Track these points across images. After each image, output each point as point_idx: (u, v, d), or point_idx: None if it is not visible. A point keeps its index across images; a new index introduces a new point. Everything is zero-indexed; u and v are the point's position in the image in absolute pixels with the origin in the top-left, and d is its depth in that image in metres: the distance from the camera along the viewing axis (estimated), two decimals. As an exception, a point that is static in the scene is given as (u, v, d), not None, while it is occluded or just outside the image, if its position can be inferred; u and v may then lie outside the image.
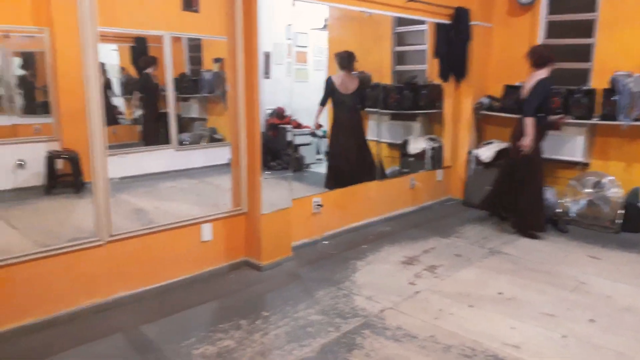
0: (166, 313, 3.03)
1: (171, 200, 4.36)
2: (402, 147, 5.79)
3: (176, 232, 3.37)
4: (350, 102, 5.01)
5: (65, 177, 4.23)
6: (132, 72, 5.46)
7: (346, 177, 4.89)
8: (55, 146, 4.29)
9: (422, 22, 5.58)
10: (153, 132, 5.45)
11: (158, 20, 5.12)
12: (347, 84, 4.96)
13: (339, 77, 4.97)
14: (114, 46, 5.32)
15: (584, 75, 5.19)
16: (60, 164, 4.24)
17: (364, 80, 5.36)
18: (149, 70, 5.35)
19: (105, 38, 4.73)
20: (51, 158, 4.18)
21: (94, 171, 3.01)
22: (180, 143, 5.45)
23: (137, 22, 4.95)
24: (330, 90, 4.98)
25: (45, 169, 4.16)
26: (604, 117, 4.84)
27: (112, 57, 5.37)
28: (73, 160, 4.16)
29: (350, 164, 5.07)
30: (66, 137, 4.25)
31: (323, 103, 5.10)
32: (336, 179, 4.97)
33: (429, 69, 5.92)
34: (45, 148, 4.22)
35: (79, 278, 2.93)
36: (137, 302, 3.14)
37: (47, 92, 4.46)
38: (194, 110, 6.03)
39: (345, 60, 4.99)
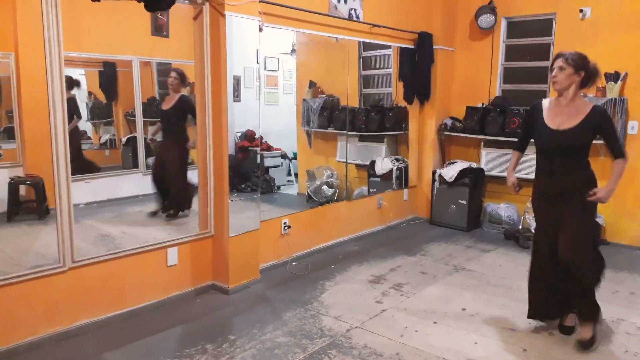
0: (131, 339, 2.99)
1: (139, 225, 4.32)
2: (369, 167, 5.90)
3: (141, 257, 3.35)
4: (169, 118, 4.60)
5: (28, 204, 4.15)
6: (100, 96, 5.44)
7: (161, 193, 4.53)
8: (19, 172, 4.22)
9: (387, 47, 5.75)
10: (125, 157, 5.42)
11: (127, 45, 5.13)
12: (168, 100, 4.57)
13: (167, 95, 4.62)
14: (82, 71, 5.30)
15: (542, 95, 5.42)
16: (23, 190, 4.16)
17: (187, 99, 4.74)
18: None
19: (72, 63, 4.71)
20: (14, 184, 4.10)
21: (57, 197, 2.99)
22: (148, 167, 5.42)
23: (105, 47, 4.94)
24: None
25: (8, 196, 4.08)
26: (560, 137, 5.05)
27: (80, 81, 5.35)
28: (37, 186, 4.09)
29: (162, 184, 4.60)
30: (30, 162, 4.18)
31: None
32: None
33: (395, 92, 6.08)
34: (8, 174, 4.14)
35: (40, 306, 2.88)
36: (101, 329, 3.10)
37: (11, 117, 4.40)
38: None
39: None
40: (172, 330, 3.13)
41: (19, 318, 2.80)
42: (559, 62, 2.89)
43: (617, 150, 2.90)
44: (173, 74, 4.53)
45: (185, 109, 4.52)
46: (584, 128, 2.89)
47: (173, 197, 4.46)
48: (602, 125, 2.89)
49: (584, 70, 2.87)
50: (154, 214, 4.34)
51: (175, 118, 4.52)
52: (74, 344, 2.92)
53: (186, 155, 4.69)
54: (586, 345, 2.92)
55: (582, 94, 2.98)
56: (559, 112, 2.96)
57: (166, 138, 4.62)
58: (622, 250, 4.87)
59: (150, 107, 5.66)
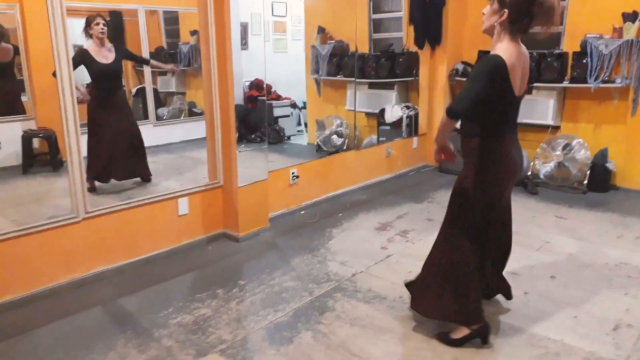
0: (145, 285, 3.13)
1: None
2: (379, 116, 5.85)
3: (153, 207, 3.45)
4: (114, 72, 4.22)
5: (42, 156, 4.25)
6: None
7: (111, 167, 4.09)
8: (31, 125, 4.29)
9: (398, -11, 5.59)
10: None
11: (132, -7, 5.06)
12: (104, 54, 4.11)
13: (93, 47, 4.11)
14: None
15: (556, 38, 5.24)
16: (36, 142, 4.25)
17: (124, 47, 4.53)
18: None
19: (78, 12, 4.66)
20: (27, 137, 4.19)
21: (68, 149, 3.06)
22: (159, 118, 5.46)
23: (110, -4, 4.88)
24: (83, 61, 4.02)
25: (22, 148, 4.18)
26: (574, 80, 4.93)
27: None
28: (49, 138, 4.18)
29: (116, 151, 4.13)
30: (40, 115, 4.25)
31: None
32: (99, 168, 3.99)
33: (406, 36, 5.93)
34: (21, 127, 4.22)
35: (57, 254, 3.01)
36: (116, 276, 3.24)
37: (20, 70, 4.43)
38: (172, 84, 6.01)
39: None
40: (185, 276, 3.27)
41: (38, 266, 2.94)
42: None
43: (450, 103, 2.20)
44: (102, 21, 4.05)
45: (128, 56, 4.39)
46: None
47: (138, 161, 4.22)
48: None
49: (509, 8, 2.20)
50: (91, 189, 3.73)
51: (120, 71, 4.27)
52: (91, 290, 3.07)
53: None
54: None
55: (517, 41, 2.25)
56: None
57: (113, 95, 4.22)
58: (631, 195, 4.84)
59: (159, 57, 5.64)
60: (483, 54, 5.46)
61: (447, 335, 2.53)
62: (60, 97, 2.98)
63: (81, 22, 4.93)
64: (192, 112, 5.83)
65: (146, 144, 5.14)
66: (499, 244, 2.70)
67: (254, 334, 2.60)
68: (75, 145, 3.06)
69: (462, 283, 2.45)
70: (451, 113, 2.17)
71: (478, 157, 2.36)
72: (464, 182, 2.44)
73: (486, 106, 2.25)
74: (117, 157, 4.14)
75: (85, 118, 4.09)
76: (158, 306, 2.88)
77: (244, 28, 4.00)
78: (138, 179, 4.26)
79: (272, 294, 3.01)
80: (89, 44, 4.09)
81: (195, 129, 5.15)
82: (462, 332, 2.49)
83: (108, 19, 4.31)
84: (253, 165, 3.94)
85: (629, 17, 4.59)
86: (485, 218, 2.48)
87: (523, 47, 2.31)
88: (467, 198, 2.43)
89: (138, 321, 2.73)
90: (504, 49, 2.22)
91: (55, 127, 4.01)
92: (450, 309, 2.48)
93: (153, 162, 4.90)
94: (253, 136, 4.92)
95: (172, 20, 5.79)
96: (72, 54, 3.04)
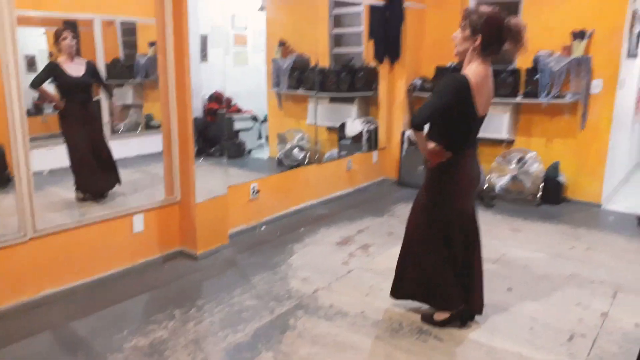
0: (98, 307, 3.00)
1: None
2: (340, 130, 5.88)
3: (106, 225, 3.32)
4: (84, 86, 4.16)
5: (-12, 172, 4.05)
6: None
7: (93, 178, 4.15)
8: (-25, 140, 4.09)
9: (358, 4, 5.66)
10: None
11: (87, 3, 4.92)
12: (75, 67, 4.06)
13: (64, 60, 4.04)
14: (42, 30, 5.09)
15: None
16: (-18, 158, 4.05)
17: (94, 63, 4.47)
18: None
19: (30, 21, 4.50)
20: (-29, 152, 3.98)
21: (15, 165, 2.92)
22: (114, 131, 5.30)
23: (64, 5, 4.73)
24: (53, 74, 3.99)
25: (-34, 164, 3.96)
26: (526, 95, 5.10)
27: (40, 41, 5.14)
28: (-4, 153, 3.99)
29: (92, 161, 4.17)
30: (-14, 129, 4.06)
31: (36, 85, 3.90)
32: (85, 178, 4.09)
33: (366, 51, 6.01)
34: (-35, 142, 4.01)
35: (2, 276, 2.85)
36: (67, 298, 3.10)
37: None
38: (128, 96, 5.87)
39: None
40: (140, 297, 3.15)
41: (-19, 289, 2.78)
42: (462, 21, 2.41)
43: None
44: (69, 35, 4.00)
45: (96, 74, 4.31)
46: None
47: (112, 171, 4.23)
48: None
49: (482, 34, 2.34)
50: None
51: (91, 84, 4.23)
52: (40, 314, 2.92)
53: None
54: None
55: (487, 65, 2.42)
56: None
57: (84, 108, 4.18)
58: (581, 207, 5.02)
59: (115, 69, 5.49)
60: (441, 70, 5.60)
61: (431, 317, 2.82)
62: (8, 110, 2.85)
63: (33, 32, 4.77)
64: (149, 126, 5.70)
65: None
66: (468, 269, 2.89)
67: (212, 356, 2.53)
68: (24, 160, 2.92)
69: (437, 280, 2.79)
70: (412, 124, 2.41)
71: (441, 172, 2.60)
72: (428, 194, 2.71)
73: (450, 124, 2.44)
74: (96, 170, 4.12)
75: (36, 131, 3.94)
76: (112, 329, 2.76)
77: (204, 40, 3.94)
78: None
79: (232, 314, 2.94)
80: (60, 58, 4.02)
81: (152, 142, 5.03)
82: (444, 315, 2.79)
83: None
84: (212, 180, 3.87)
85: (578, 35, 4.80)
86: (449, 227, 2.72)
87: (490, 69, 2.46)
88: (430, 209, 2.71)
89: (90, 346, 2.61)
90: (473, 70, 2.40)
91: (5, 142, 3.84)
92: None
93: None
94: (212, 150, 4.85)
95: (129, 31, 5.66)
96: (22, 64, 2.92)
